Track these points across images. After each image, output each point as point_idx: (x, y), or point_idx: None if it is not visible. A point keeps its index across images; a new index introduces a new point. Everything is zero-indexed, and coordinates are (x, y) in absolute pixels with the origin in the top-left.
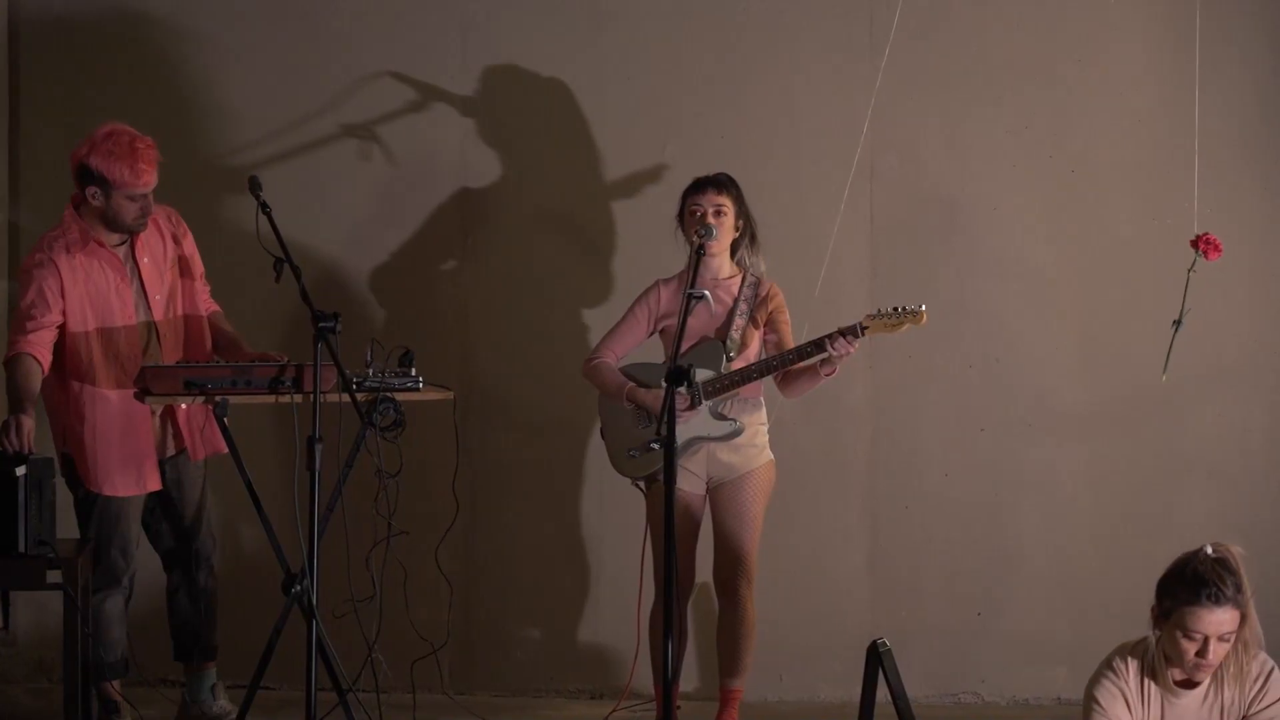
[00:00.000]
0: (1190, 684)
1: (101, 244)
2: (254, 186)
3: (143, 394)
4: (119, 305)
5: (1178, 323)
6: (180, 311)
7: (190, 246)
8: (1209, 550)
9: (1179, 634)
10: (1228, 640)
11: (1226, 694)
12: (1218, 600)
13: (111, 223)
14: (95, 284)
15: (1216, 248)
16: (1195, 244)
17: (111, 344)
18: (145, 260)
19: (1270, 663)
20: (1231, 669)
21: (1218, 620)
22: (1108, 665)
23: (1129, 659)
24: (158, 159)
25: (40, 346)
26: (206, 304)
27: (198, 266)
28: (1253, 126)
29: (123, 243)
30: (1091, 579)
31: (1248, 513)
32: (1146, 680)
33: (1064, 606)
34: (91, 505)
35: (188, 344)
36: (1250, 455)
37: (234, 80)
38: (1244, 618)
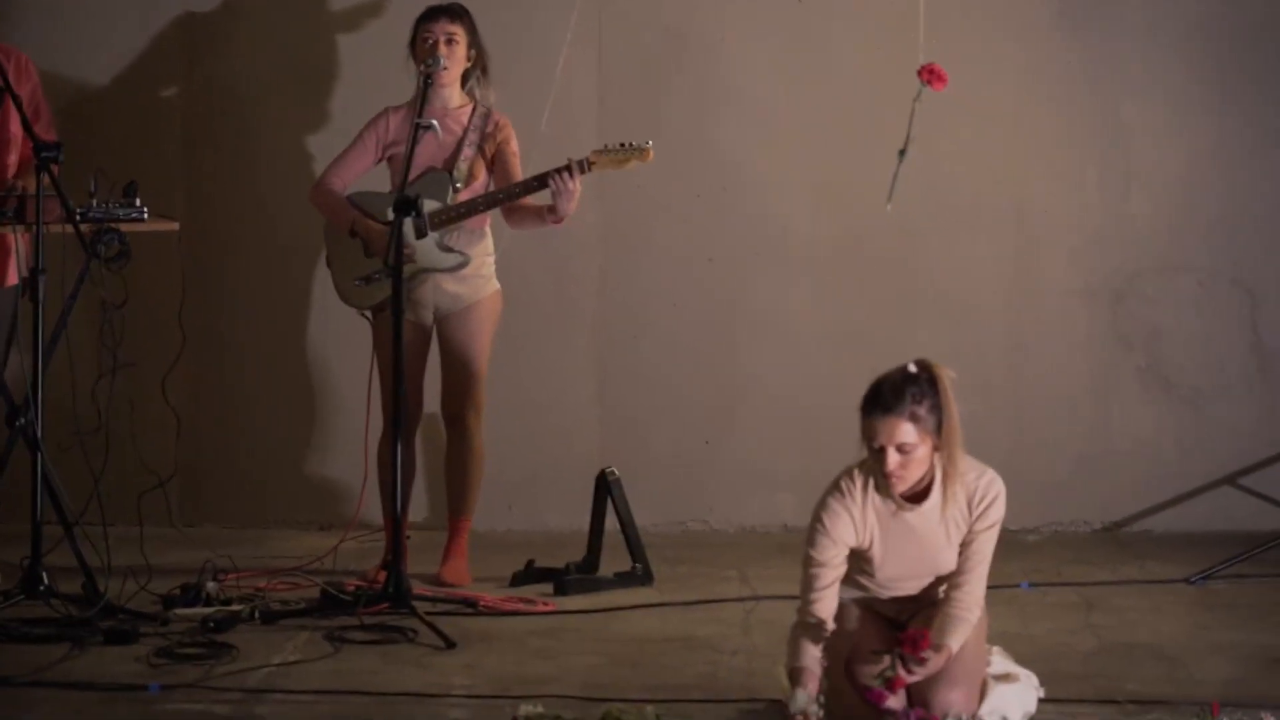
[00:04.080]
0: (918, 498)
1: None
2: None
3: None
4: None
5: (903, 152)
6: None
7: (26, 90)
8: (909, 366)
9: (866, 443)
10: (907, 451)
11: (952, 510)
12: (888, 409)
13: None
14: None
15: (941, 78)
16: (920, 74)
17: None
18: None
19: (999, 486)
20: (952, 485)
21: (888, 429)
22: (834, 484)
23: (856, 475)
24: None
25: None
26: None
27: (31, 112)
28: None
29: None
30: (819, 409)
31: (975, 344)
32: (872, 494)
33: (791, 436)
34: None
35: None
36: (978, 287)
37: None
38: (932, 433)
